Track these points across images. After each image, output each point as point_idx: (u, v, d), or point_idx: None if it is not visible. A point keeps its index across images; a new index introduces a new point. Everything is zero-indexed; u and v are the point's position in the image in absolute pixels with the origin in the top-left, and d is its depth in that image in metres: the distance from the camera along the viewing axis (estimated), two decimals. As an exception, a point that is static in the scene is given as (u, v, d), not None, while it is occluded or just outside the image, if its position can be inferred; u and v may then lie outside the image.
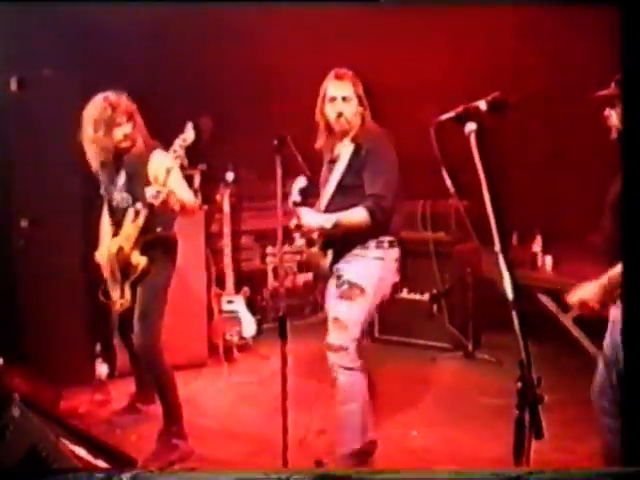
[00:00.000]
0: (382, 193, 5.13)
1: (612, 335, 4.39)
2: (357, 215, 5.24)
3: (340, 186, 5.40)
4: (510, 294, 3.16)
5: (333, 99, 5.41)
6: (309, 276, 9.82)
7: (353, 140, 5.41)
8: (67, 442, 4.39)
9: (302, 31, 8.33)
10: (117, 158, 5.81)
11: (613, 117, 4.31)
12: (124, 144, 5.71)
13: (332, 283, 5.62)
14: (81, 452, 4.41)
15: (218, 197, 8.54)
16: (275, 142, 5.13)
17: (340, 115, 5.39)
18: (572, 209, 8.24)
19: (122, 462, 5.02)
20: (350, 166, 5.35)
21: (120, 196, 5.81)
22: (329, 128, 5.53)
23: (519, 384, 3.01)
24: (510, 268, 3.20)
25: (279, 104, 9.00)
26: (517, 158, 8.55)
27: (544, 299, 7.59)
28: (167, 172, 5.33)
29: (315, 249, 5.55)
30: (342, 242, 5.42)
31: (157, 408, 6.09)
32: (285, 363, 5.07)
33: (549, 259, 7.68)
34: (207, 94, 8.37)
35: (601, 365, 4.47)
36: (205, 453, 5.85)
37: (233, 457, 5.80)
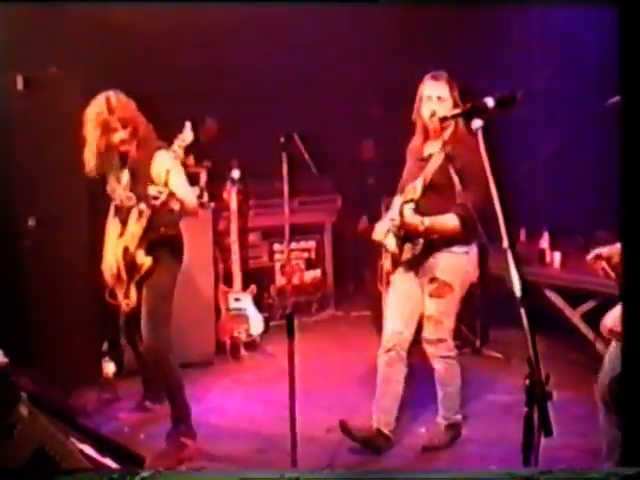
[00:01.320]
0: (474, 204, 5.20)
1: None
2: (449, 222, 5.50)
3: (431, 185, 5.55)
4: (518, 291, 3.15)
5: (429, 98, 5.57)
6: (317, 273, 9.83)
7: (446, 145, 5.51)
8: (75, 441, 4.38)
9: (306, 29, 8.34)
10: (121, 157, 5.81)
11: None
12: (122, 147, 5.71)
13: (410, 273, 5.83)
14: (89, 451, 4.40)
15: (225, 195, 8.53)
16: (282, 140, 5.15)
17: (434, 114, 5.53)
18: (580, 205, 8.23)
19: (130, 461, 5.01)
20: (441, 169, 5.47)
21: (125, 195, 5.81)
22: (425, 129, 5.71)
23: (527, 381, 3.01)
24: (518, 265, 3.20)
25: (287, 101, 9.02)
26: (525, 154, 8.57)
27: (552, 295, 7.58)
28: (167, 172, 5.34)
29: (393, 245, 5.75)
30: (425, 238, 5.62)
31: (165, 407, 6.09)
32: (292, 361, 5.07)
33: (557, 255, 7.67)
34: (214, 92, 8.38)
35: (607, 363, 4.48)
36: (213, 451, 5.84)
37: (241, 455, 5.79)
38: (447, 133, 5.57)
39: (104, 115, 5.58)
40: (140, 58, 7.69)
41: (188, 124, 5.39)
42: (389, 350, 5.81)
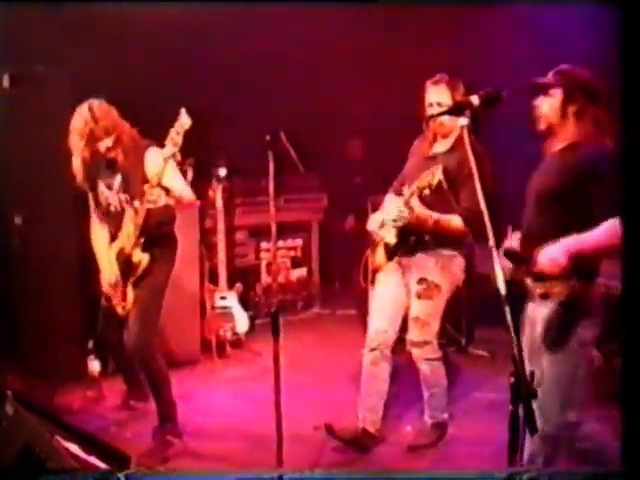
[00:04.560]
0: (479, 209, 5.19)
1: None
2: (455, 222, 5.50)
3: (437, 185, 5.42)
4: (502, 289, 3.17)
5: (430, 105, 5.59)
6: (303, 271, 9.84)
7: (454, 149, 5.55)
8: (61, 439, 4.38)
9: (297, 26, 8.34)
10: (109, 164, 5.79)
11: (543, 107, 4.30)
12: (109, 155, 5.70)
13: (397, 272, 5.85)
14: (75, 449, 4.40)
15: (211, 193, 8.53)
16: (268, 138, 5.14)
17: (435, 119, 5.55)
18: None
19: (116, 459, 5.01)
20: (447, 171, 5.36)
21: (117, 198, 5.79)
22: (433, 132, 5.75)
23: (512, 379, 3.02)
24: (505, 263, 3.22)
25: (274, 99, 9.02)
26: (509, 152, 8.57)
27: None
28: (164, 162, 5.32)
29: (391, 232, 5.75)
30: (419, 234, 5.64)
31: (151, 405, 6.09)
32: (277, 359, 5.08)
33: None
34: (200, 89, 8.36)
35: None
36: (199, 450, 5.84)
37: (227, 453, 5.79)
38: (454, 135, 5.59)
39: (90, 125, 5.55)
40: (127, 57, 7.66)
41: (183, 110, 5.34)
42: (373, 349, 5.82)
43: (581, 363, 4.22)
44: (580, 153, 4.13)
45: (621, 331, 4.18)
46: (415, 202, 5.45)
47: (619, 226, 3.85)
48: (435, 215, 5.48)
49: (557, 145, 4.30)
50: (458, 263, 5.77)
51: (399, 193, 5.75)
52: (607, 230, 3.92)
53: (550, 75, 4.29)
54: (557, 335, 4.19)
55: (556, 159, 4.27)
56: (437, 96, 5.56)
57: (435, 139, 5.75)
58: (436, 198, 5.41)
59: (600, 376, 4.49)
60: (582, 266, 4.08)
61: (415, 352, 5.81)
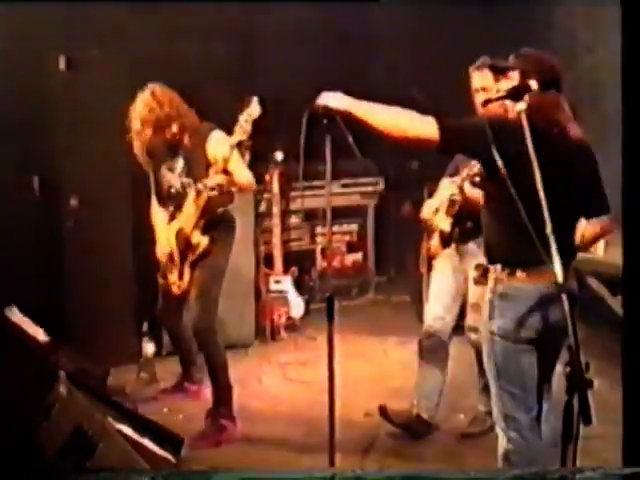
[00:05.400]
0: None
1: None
2: None
3: None
4: (559, 277, 3.11)
5: (476, 90, 5.51)
6: (358, 256, 9.80)
7: None
8: (113, 421, 4.40)
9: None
10: (171, 148, 5.81)
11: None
12: (174, 140, 5.71)
13: (454, 258, 5.82)
14: (128, 431, 4.42)
15: (267, 177, 8.52)
16: (325, 121, 5.11)
17: (485, 104, 5.44)
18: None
19: (169, 441, 5.03)
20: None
21: (179, 182, 5.82)
22: None
23: (567, 369, 2.96)
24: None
25: (331, 84, 8.97)
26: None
27: (594, 283, 7.49)
28: (231, 149, 5.34)
29: (445, 219, 5.70)
30: (475, 219, 5.41)
31: (204, 388, 6.11)
32: (332, 344, 5.03)
33: (601, 242, 7.56)
34: (258, 73, 8.35)
35: None
36: (252, 434, 5.84)
37: (280, 438, 5.79)
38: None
39: (156, 112, 5.59)
40: (182, 42, 7.68)
41: (255, 98, 5.34)
42: (431, 335, 5.78)
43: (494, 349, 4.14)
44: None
45: (622, 331, 4.13)
46: (466, 185, 5.39)
47: None
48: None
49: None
50: None
51: (453, 177, 5.70)
52: None
53: (510, 58, 4.19)
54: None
55: None
56: (481, 81, 5.47)
57: None
58: None
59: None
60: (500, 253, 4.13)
61: (474, 337, 5.68)
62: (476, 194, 5.38)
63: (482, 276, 5.28)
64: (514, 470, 3.57)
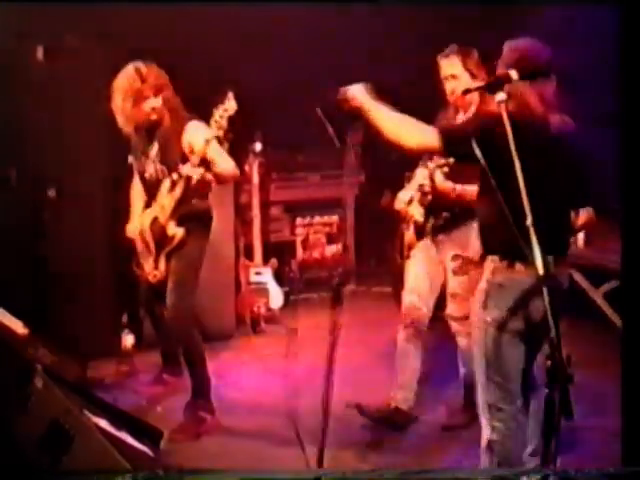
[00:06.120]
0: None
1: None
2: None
3: None
4: (540, 269, 3.10)
5: (445, 78, 5.57)
6: (338, 248, 9.79)
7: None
8: (91, 414, 4.37)
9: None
10: (149, 129, 5.76)
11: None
12: (153, 117, 5.66)
13: (431, 249, 5.82)
14: (105, 425, 4.39)
15: (247, 168, 8.49)
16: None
17: (453, 92, 5.57)
18: (606, 183, 8.14)
19: (148, 434, 5.00)
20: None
21: (153, 167, 5.77)
22: (455, 104, 5.71)
23: (548, 362, 2.95)
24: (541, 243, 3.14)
25: (311, 75, 8.94)
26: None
27: (576, 275, 7.50)
28: (206, 143, 5.30)
29: (420, 214, 5.73)
30: (451, 209, 5.60)
31: (184, 380, 6.09)
32: (336, 332, 4.95)
33: (581, 235, 7.57)
34: (237, 63, 8.31)
35: None
36: (231, 426, 5.83)
37: (259, 430, 5.78)
38: (473, 107, 5.53)
39: (136, 84, 5.53)
40: (161, 28, 7.62)
41: (231, 94, 5.32)
42: (407, 326, 5.79)
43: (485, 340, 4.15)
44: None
45: (622, 325, 4.14)
46: (438, 175, 5.42)
47: None
48: (458, 187, 5.42)
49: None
50: None
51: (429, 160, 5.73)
52: None
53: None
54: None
55: None
56: (450, 69, 5.53)
57: (457, 112, 5.71)
58: (463, 169, 5.33)
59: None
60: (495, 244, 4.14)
61: (455, 326, 5.78)
62: (447, 185, 5.42)
63: (461, 267, 5.29)
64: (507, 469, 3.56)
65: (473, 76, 5.48)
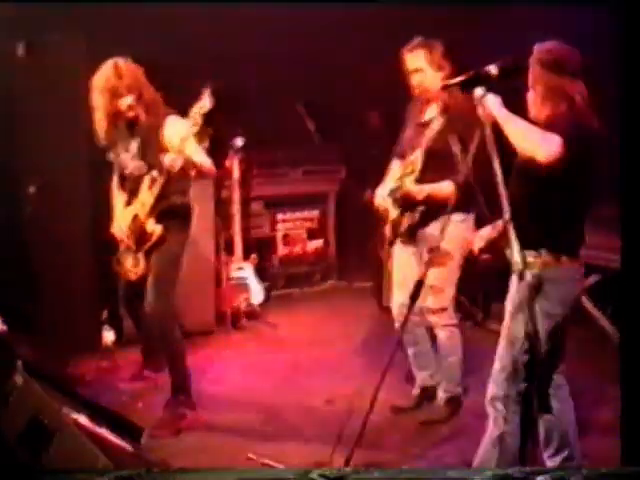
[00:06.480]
0: (471, 171, 5.15)
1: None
2: (445, 188, 5.51)
3: (430, 151, 5.58)
4: (518, 264, 3.12)
5: (410, 72, 5.65)
6: (320, 243, 9.79)
7: (444, 110, 5.56)
8: (71, 410, 4.36)
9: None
10: (128, 126, 5.75)
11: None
12: (130, 113, 5.66)
13: (410, 244, 5.87)
14: (84, 421, 4.38)
15: (227, 163, 8.47)
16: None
17: (420, 85, 5.66)
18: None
19: (128, 431, 4.99)
20: (440, 134, 5.51)
21: (134, 164, 5.76)
22: (422, 96, 5.78)
23: (526, 357, 2.97)
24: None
25: (291, 70, 8.94)
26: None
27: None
28: (183, 139, 5.32)
29: (396, 213, 5.79)
30: (425, 206, 5.65)
31: (165, 376, 6.07)
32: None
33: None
34: (218, 58, 8.29)
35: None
36: (212, 421, 5.82)
37: (240, 425, 5.77)
38: (445, 98, 5.54)
39: (112, 81, 5.53)
40: (144, 24, 7.59)
41: (206, 91, 5.34)
42: (404, 323, 5.81)
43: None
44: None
45: (621, 327, 4.17)
46: (407, 181, 5.60)
47: None
48: (426, 188, 5.54)
49: (533, 122, 4.25)
50: (468, 227, 5.69)
51: (402, 157, 5.85)
52: None
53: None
54: (520, 305, 4.14)
55: None
56: (415, 62, 5.61)
57: (425, 104, 5.77)
58: (435, 165, 5.54)
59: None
60: (558, 240, 4.14)
61: (432, 319, 5.84)
62: (417, 189, 5.49)
63: (438, 258, 5.33)
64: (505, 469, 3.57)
65: (438, 69, 5.57)
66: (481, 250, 4.37)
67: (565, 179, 3.91)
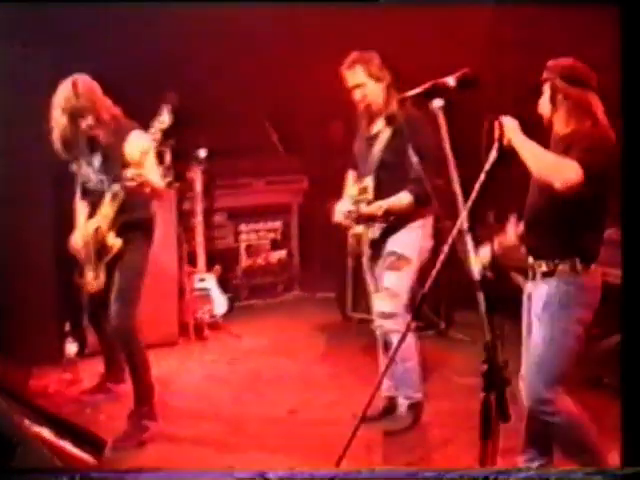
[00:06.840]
0: (425, 176, 5.18)
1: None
2: (404, 200, 5.57)
3: (382, 163, 5.66)
4: (476, 274, 3.14)
5: (352, 88, 5.69)
6: (282, 254, 9.80)
7: (390, 121, 5.61)
8: (32, 423, 4.34)
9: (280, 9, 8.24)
10: (90, 142, 5.75)
11: (540, 105, 4.37)
12: (90, 133, 5.66)
13: (375, 255, 5.87)
14: (47, 434, 4.36)
15: (190, 174, 8.46)
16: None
17: (363, 99, 5.70)
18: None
19: (91, 443, 4.97)
20: (389, 146, 5.60)
21: (97, 177, 5.77)
22: (367, 109, 5.79)
23: (485, 366, 2.99)
24: (477, 247, 3.18)
25: (255, 81, 8.95)
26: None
27: (518, 278, 7.54)
28: (144, 154, 5.34)
29: (359, 228, 5.82)
30: (385, 220, 5.70)
31: (127, 387, 6.05)
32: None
33: (511, 231, 7.62)
34: (181, 71, 8.28)
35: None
36: (175, 433, 5.80)
37: (204, 437, 5.75)
38: (390, 109, 5.62)
39: (72, 101, 5.54)
40: (104, 37, 7.58)
41: (166, 107, 5.36)
42: (386, 333, 5.82)
43: (571, 341, 4.30)
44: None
45: (621, 328, 4.21)
46: (361, 206, 5.68)
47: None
48: (383, 204, 5.58)
49: (556, 137, 4.34)
50: (425, 233, 5.78)
51: (355, 168, 6.00)
52: None
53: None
54: (555, 312, 4.30)
55: (554, 150, 4.28)
56: (354, 78, 5.67)
57: (373, 117, 5.80)
58: (388, 177, 5.63)
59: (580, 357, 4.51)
60: (584, 247, 4.27)
61: (386, 324, 5.80)
62: (372, 208, 5.56)
63: (395, 263, 5.38)
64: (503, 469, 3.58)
65: (377, 80, 5.64)
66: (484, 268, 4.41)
67: (585, 194, 4.01)
